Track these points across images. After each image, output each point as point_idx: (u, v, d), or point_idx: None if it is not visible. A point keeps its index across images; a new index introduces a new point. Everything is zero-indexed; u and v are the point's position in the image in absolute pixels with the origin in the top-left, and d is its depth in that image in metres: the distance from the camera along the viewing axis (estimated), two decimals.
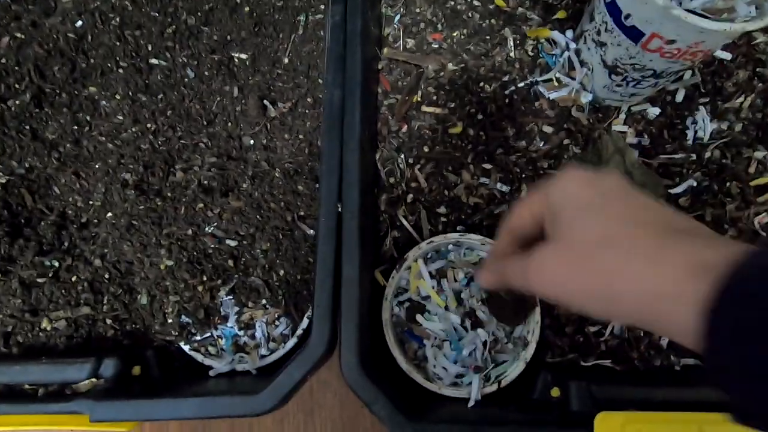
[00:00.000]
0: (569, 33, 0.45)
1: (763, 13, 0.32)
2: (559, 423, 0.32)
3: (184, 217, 0.41)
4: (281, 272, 0.39)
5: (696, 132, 0.43)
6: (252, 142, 0.48)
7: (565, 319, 0.38)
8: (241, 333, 0.39)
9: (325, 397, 0.51)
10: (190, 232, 0.40)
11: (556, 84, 0.44)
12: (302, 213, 0.41)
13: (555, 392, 0.34)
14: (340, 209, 0.35)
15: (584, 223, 0.21)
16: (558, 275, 0.21)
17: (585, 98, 0.43)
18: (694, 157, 0.42)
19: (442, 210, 0.41)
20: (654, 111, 0.44)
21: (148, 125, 0.49)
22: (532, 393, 0.35)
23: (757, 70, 0.45)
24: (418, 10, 0.49)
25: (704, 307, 0.16)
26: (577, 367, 0.37)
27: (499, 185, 0.41)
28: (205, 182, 0.44)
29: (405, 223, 0.41)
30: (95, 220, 0.43)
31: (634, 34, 0.35)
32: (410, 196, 0.42)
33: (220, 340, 0.38)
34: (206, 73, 0.52)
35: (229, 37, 0.54)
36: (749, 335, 0.15)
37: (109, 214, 0.42)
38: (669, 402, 0.31)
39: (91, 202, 0.44)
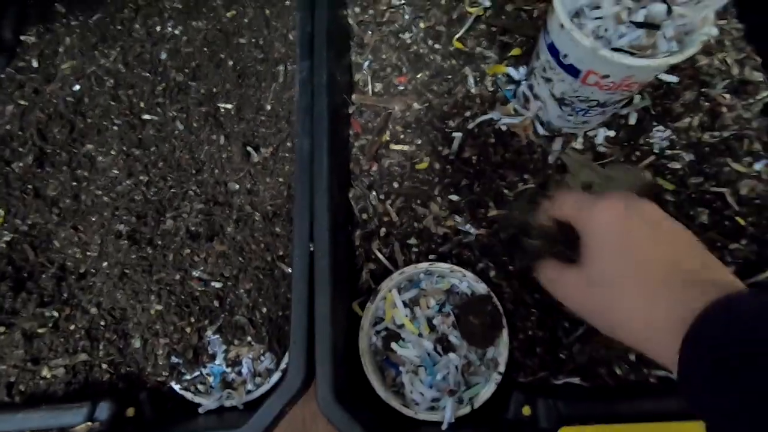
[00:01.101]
0: (522, 69, 0.48)
1: (684, 47, 0.35)
2: None
3: (172, 263, 0.44)
4: (264, 310, 0.42)
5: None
6: (237, 187, 0.52)
7: (535, 339, 0.40)
8: (229, 370, 0.41)
9: (317, 427, 0.52)
10: (177, 277, 0.43)
11: (513, 113, 0.47)
12: (281, 253, 0.44)
13: (526, 411, 0.35)
14: (312, 248, 0.37)
15: (603, 259, 0.26)
16: (575, 300, 0.28)
17: (539, 127, 0.46)
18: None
19: (413, 241, 0.44)
20: (610, 134, 0.47)
21: (141, 177, 0.53)
22: (505, 413, 0.37)
23: (703, 90, 0.47)
24: (384, 56, 0.53)
25: (679, 350, 0.21)
26: (547, 385, 0.38)
27: (467, 227, 0.43)
28: (193, 228, 0.47)
29: (379, 255, 0.44)
30: (92, 270, 0.46)
31: (573, 71, 0.38)
32: (383, 230, 0.45)
33: (209, 377, 0.40)
34: (195, 124, 0.56)
35: (215, 90, 0.58)
36: (707, 373, 0.20)
37: (105, 264, 0.46)
38: (636, 414, 0.33)
39: (88, 254, 0.48)
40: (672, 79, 0.48)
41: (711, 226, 0.44)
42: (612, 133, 0.47)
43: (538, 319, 0.40)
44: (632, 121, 0.47)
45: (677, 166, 0.46)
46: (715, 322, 0.20)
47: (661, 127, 0.47)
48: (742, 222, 0.43)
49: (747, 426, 0.18)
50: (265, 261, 0.43)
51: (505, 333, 0.38)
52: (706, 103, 0.47)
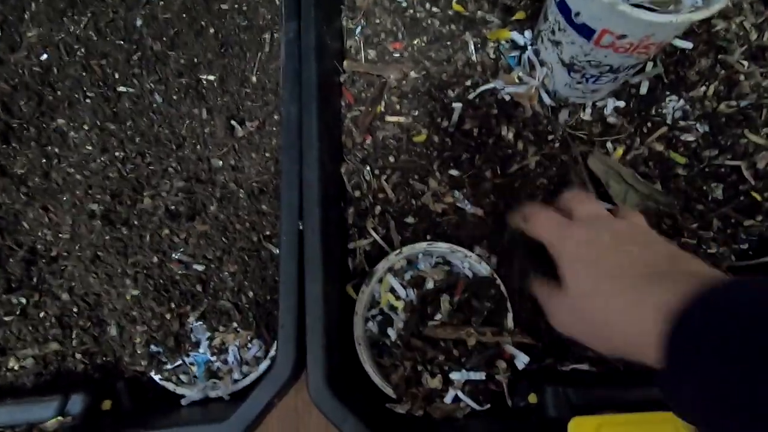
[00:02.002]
0: (528, 33, 0.45)
1: (709, 2, 0.31)
2: (535, 430, 0.31)
3: (149, 244, 0.41)
4: (250, 294, 0.39)
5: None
6: (221, 163, 0.48)
7: (539, 324, 0.37)
8: (214, 358, 0.38)
9: (310, 417, 0.50)
10: (155, 259, 0.40)
11: (518, 82, 0.44)
12: (268, 233, 0.41)
13: (532, 398, 0.33)
14: (301, 226, 0.34)
15: (578, 277, 0.27)
16: (565, 322, 0.29)
17: (545, 96, 0.43)
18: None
19: (410, 219, 0.41)
20: (619, 104, 0.44)
21: (117, 153, 0.49)
22: (513, 401, 0.35)
23: (719, 57, 0.44)
24: (377, 21, 0.49)
25: (661, 343, 0.21)
26: (554, 372, 0.36)
27: (467, 204, 0.40)
28: (172, 207, 0.43)
29: (374, 234, 0.41)
30: (64, 253, 0.43)
31: (586, 32, 0.35)
32: (378, 207, 0.42)
33: (192, 367, 0.38)
34: (174, 97, 0.52)
35: (196, 60, 0.54)
36: (690, 366, 0.20)
37: (77, 246, 0.42)
38: (647, 402, 0.31)
39: (60, 236, 0.44)
40: (686, 44, 0.44)
41: (725, 202, 0.41)
42: (622, 104, 0.44)
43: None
44: (644, 90, 0.44)
45: (690, 138, 0.43)
46: (698, 316, 0.20)
47: (674, 97, 0.44)
48: (758, 197, 0.41)
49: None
50: (250, 241, 0.40)
51: (509, 317, 0.36)
52: (723, 71, 0.44)
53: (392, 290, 0.37)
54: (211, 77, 0.54)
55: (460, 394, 0.33)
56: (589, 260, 0.27)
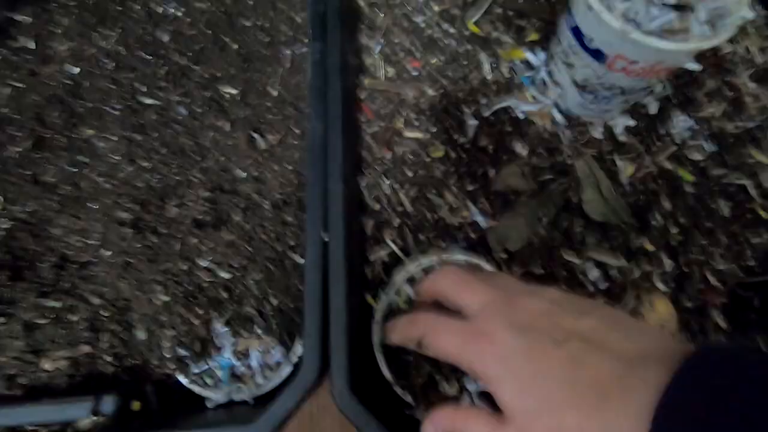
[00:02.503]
0: (541, 54, 0.47)
1: (717, 31, 0.33)
2: None
3: (178, 252, 0.43)
4: (274, 301, 0.40)
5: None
6: (243, 174, 0.50)
7: None
8: (237, 363, 0.40)
9: (325, 421, 0.51)
10: (184, 267, 0.42)
11: (531, 100, 0.45)
12: (292, 243, 0.42)
13: None
14: (326, 238, 0.36)
15: (515, 398, 0.21)
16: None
17: (557, 115, 0.44)
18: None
19: (427, 232, 0.43)
20: (630, 123, 0.46)
21: (143, 163, 0.51)
22: None
23: (726, 79, 0.46)
24: (396, 40, 0.51)
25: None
26: None
27: (480, 218, 0.42)
28: (199, 217, 0.45)
29: (393, 246, 0.42)
30: (94, 259, 0.45)
31: (599, 56, 0.36)
32: (397, 220, 0.43)
33: (216, 371, 0.39)
34: (198, 109, 0.54)
35: (219, 74, 0.56)
36: None
37: (107, 253, 0.44)
38: None
39: (89, 242, 0.46)
40: (695, 66, 0.46)
41: (733, 219, 0.43)
42: (632, 123, 0.45)
43: None
44: (653, 110, 0.46)
45: (699, 156, 0.44)
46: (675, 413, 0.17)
47: (683, 117, 0.45)
48: (764, 215, 0.42)
49: None
50: (275, 251, 0.42)
51: None
52: (730, 92, 0.46)
53: (409, 300, 0.39)
54: (234, 91, 0.56)
55: (476, 399, 0.35)
56: (521, 372, 0.21)
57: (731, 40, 0.48)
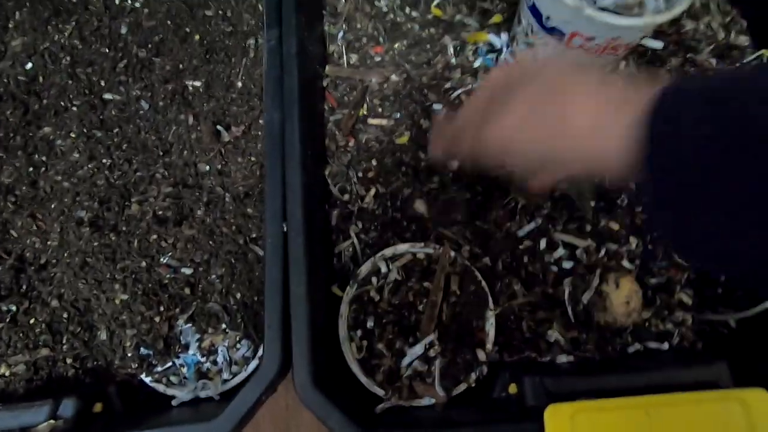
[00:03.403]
0: (504, 36, 0.46)
1: (671, 5, 0.33)
2: (514, 419, 0.32)
3: (137, 250, 0.42)
4: (238, 295, 0.40)
5: None
6: (207, 168, 0.49)
7: (521, 318, 0.39)
8: (203, 359, 0.39)
9: (301, 414, 0.51)
10: (144, 264, 0.41)
11: None
12: (254, 235, 0.41)
13: (512, 389, 0.34)
14: (285, 229, 0.35)
15: (531, 86, 0.24)
16: (508, 129, 0.25)
17: None
18: None
19: (394, 222, 0.42)
20: None
21: (104, 160, 0.50)
22: (492, 392, 0.36)
23: (688, 56, 0.46)
24: (359, 26, 0.50)
25: (632, 129, 0.19)
26: (533, 363, 0.37)
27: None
28: (160, 213, 0.44)
29: (358, 237, 0.42)
30: (53, 261, 0.43)
31: (557, 34, 0.36)
32: (362, 209, 0.43)
33: (182, 368, 0.38)
34: (161, 103, 0.53)
35: (181, 66, 0.55)
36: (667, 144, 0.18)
37: (66, 253, 0.43)
38: (620, 389, 0.32)
39: (48, 243, 0.44)
40: (657, 44, 0.46)
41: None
42: None
43: (523, 299, 0.39)
44: None
45: None
46: (672, 102, 0.19)
47: None
48: None
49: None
50: (237, 244, 0.41)
51: (491, 312, 0.37)
52: (692, 69, 0.45)
53: (380, 289, 0.39)
54: (197, 83, 0.54)
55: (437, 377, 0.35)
56: (535, 74, 0.25)
57: (693, 17, 0.47)
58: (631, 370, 0.35)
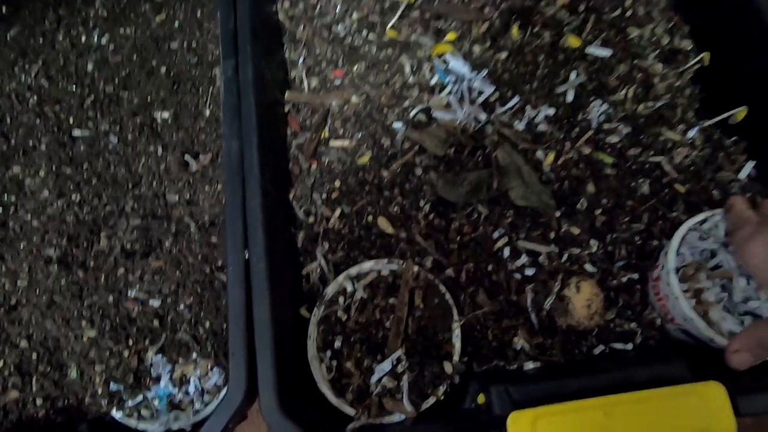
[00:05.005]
0: (461, 61, 0.47)
1: None
2: (482, 430, 0.32)
3: (104, 285, 0.42)
4: (207, 324, 0.40)
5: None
6: (176, 198, 0.49)
7: (487, 328, 0.39)
8: (176, 391, 0.39)
9: None
10: (111, 299, 0.41)
11: (445, 106, 0.46)
12: (220, 263, 0.42)
13: (480, 399, 0.35)
14: (247, 255, 0.36)
15: None
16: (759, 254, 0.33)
17: (471, 125, 0.45)
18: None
19: (360, 241, 0.43)
20: (549, 113, 0.47)
21: (74, 197, 0.50)
22: (462, 403, 0.36)
23: (635, 62, 0.48)
24: (318, 51, 0.51)
25: None
26: (502, 371, 0.38)
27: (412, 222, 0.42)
28: (128, 246, 0.45)
29: (325, 257, 0.42)
30: (23, 301, 0.43)
31: None
32: (328, 230, 0.43)
33: (154, 401, 0.38)
34: (129, 136, 0.54)
35: (149, 99, 0.56)
36: None
37: (34, 293, 0.43)
38: (583, 391, 0.33)
39: (18, 284, 0.44)
40: (605, 52, 0.48)
41: (652, 196, 0.44)
42: (552, 111, 0.47)
43: (487, 308, 0.39)
44: (570, 98, 0.47)
45: (615, 139, 0.46)
46: None
47: (598, 102, 0.47)
48: (681, 189, 0.44)
49: None
50: (203, 273, 0.42)
51: (456, 324, 0.37)
52: (639, 74, 0.47)
53: (347, 308, 0.39)
54: (165, 114, 0.55)
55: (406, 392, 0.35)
56: None
57: (639, 24, 0.49)
58: (595, 371, 0.35)
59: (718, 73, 0.47)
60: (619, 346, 0.39)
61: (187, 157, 0.52)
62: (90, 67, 0.57)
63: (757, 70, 0.44)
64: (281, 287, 0.37)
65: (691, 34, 0.49)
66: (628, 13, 0.50)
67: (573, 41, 0.47)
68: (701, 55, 0.47)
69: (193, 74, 0.57)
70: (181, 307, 0.41)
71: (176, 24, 0.60)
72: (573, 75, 0.48)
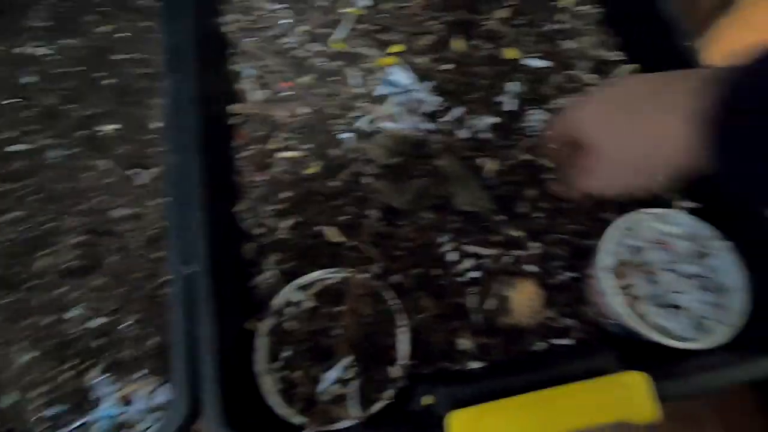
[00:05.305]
0: (409, 74, 0.49)
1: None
2: (426, 430, 0.33)
3: (45, 304, 0.41)
4: (153, 341, 0.39)
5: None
6: (121, 213, 0.48)
7: (434, 330, 0.40)
8: (122, 410, 0.38)
9: None
10: (49, 319, 0.40)
11: (391, 117, 0.48)
12: (163, 279, 0.41)
13: (425, 401, 0.36)
14: (188, 270, 0.35)
15: (592, 132, 0.30)
16: (601, 176, 0.31)
17: (416, 134, 0.47)
18: None
19: (309, 251, 0.43)
20: (490, 121, 0.49)
21: (14, 214, 0.48)
22: (410, 406, 0.37)
23: (568, 72, 0.51)
24: (265, 63, 0.51)
25: (703, 124, 0.22)
26: (448, 372, 0.39)
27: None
28: (70, 264, 0.43)
29: (273, 269, 0.42)
30: None
31: None
32: (277, 240, 0.43)
33: (97, 423, 0.37)
34: (72, 151, 0.52)
35: (94, 111, 0.54)
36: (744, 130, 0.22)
37: None
38: (522, 387, 0.34)
39: None
40: (541, 63, 0.50)
41: (587, 199, 0.47)
42: (493, 120, 0.49)
43: (433, 311, 0.41)
44: (511, 107, 0.49)
45: (553, 145, 0.48)
46: (733, 94, 0.22)
47: (536, 110, 0.49)
48: None
49: None
50: (148, 289, 0.41)
51: (402, 329, 0.38)
52: (572, 84, 0.50)
53: (294, 318, 0.39)
54: (111, 127, 0.54)
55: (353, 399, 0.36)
56: (600, 115, 0.30)
57: (570, 37, 0.52)
58: (534, 368, 0.37)
59: None
60: (558, 342, 0.41)
61: (133, 170, 0.51)
62: (31, 79, 0.56)
63: None
64: (226, 301, 0.37)
65: (622, 45, 0.52)
66: (562, 26, 0.53)
67: (510, 53, 0.50)
68: (626, 66, 0.51)
69: (141, 86, 0.56)
70: (125, 324, 0.40)
71: (122, 34, 0.59)
72: (512, 85, 0.50)
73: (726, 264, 0.41)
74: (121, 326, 0.40)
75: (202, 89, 0.42)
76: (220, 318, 0.35)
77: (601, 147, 0.30)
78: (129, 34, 0.59)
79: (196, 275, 0.35)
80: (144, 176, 0.51)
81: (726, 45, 0.62)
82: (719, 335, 0.38)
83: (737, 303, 0.39)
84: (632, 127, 0.27)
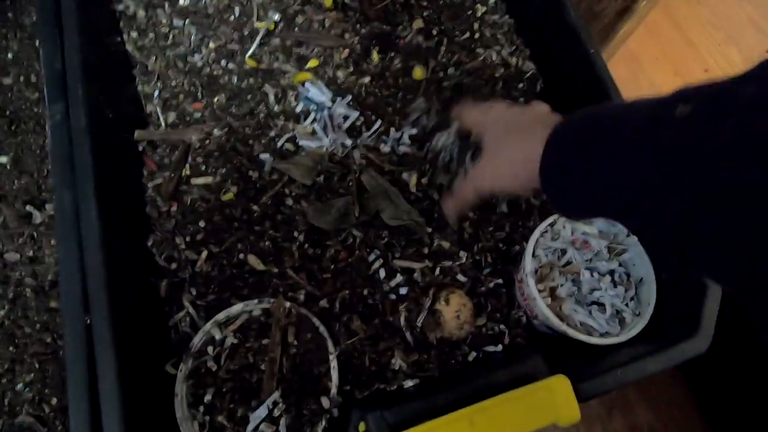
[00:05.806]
0: (325, 91, 0.48)
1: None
2: None
3: None
4: (53, 401, 0.35)
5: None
6: (16, 257, 0.43)
7: (364, 353, 0.39)
8: None
9: None
10: None
11: (311, 134, 0.46)
12: (61, 331, 0.37)
13: (362, 428, 0.35)
14: (89, 320, 0.32)
15: (494, 138, 0.36)
16: (486, 176, 0.36)
17: (338, 151, 0.46)
18: None
19: (231, 282, 0.41)
20: (412, 132, 0.49)
21: None
22: None
23: (485, 83, 0.52)
24: (174, 83, 0.48)
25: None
26: (383, 394, 0.38)
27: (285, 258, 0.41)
28: None
29: (193, 304, 0.40)
30: None
31: None
32: (195, 274, 0.41)
33: None
34: None
35: None
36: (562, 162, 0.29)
37: None
38: (454, 402, 0.34)
39: None
40: (454, 72, 0.51)
41: (511, 211, 0.48)
42: (414, 132, 0.49)
43: (363, 334, 0.40)
44: (425, 119, 0.50)
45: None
46: (563, 131, 0.29)
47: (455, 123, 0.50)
48: (535, 201, 0.48)
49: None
50: (44, 344, 0.37)
51: (332, 356, 0.37)
52: (490, 94, 0.51)
53: (217, 357, 0.37)
54: (2, 159, 0.49)
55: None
56: (499, 127, 0.36)
57: (486, 46, 0.54)
58: (465, 380, 0.37)
59: (556, 94, 0.52)
60: (490, 349, 0.42)
61: (29, 207, 0.46)
62: None
63: (584, 92, 0.49)
64: (135, 348, 0.33)
65: (532, 58, 0.54)
66: (476, 35, 0.54)
67: (418, 73, 0.50)
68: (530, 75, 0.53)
69: (35, 111, 0.51)
70: (20, 385, 0.35)
71: (10, 55, 0.54)
72: (419, 101, 0.50)
73: (637, 258, 0.44)
74: (15, 389, 0.35)
75: (98, 116, 0.39)
76: (126, 369, 0.32)
77: (494, 150, 0.36)
78: (19, 54, 0.54)
79: (95, 325, 0.32)
80: (43, 213, 0.46)
81: (629, 49, 0.66)
82: (637, 327, 0.41)
83: (651, 294, 0.42)
84: (516, 143, 0.33)
